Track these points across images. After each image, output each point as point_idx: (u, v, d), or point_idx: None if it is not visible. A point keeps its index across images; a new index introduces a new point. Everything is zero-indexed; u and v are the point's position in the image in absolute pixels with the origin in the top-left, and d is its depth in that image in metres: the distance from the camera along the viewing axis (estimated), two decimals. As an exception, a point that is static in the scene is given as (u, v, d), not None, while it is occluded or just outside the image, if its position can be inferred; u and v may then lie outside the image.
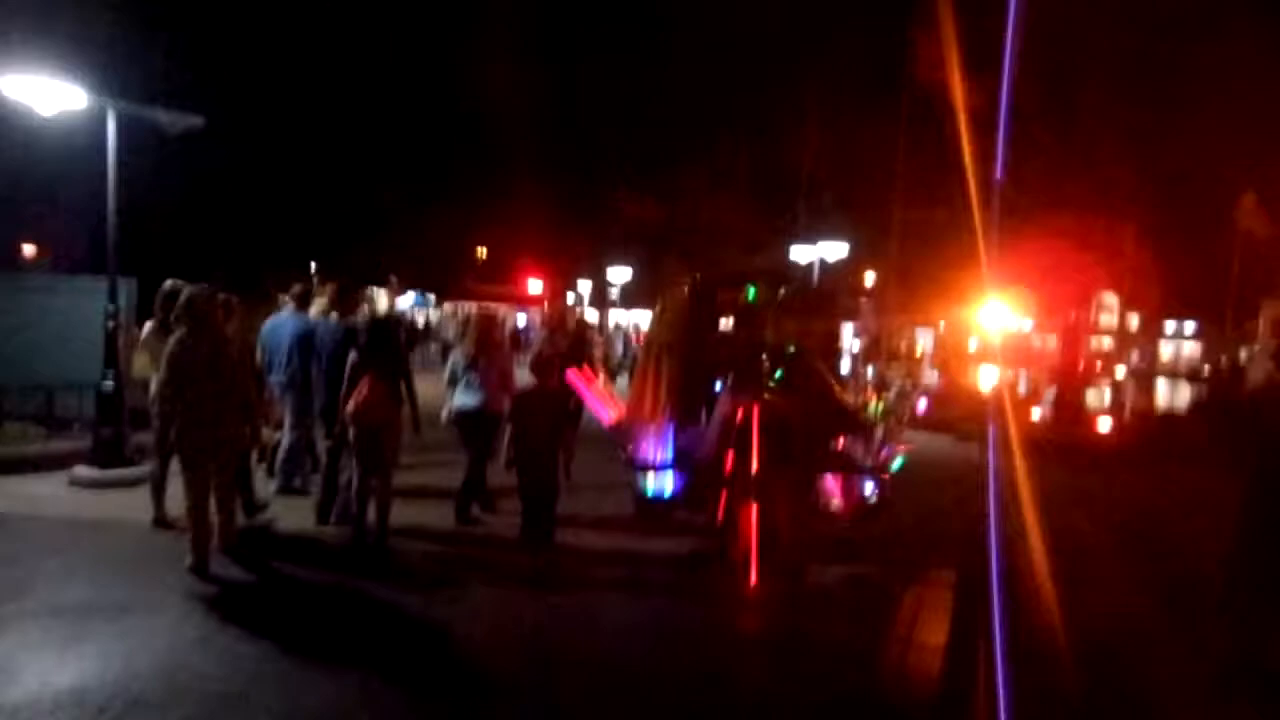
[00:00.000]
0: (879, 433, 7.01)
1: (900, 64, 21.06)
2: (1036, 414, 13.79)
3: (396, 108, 32.67)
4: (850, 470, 6.82)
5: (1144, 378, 18.66)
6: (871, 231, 19.49)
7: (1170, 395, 20.95)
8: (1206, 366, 25.31)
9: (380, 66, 31.06)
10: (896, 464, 6.91)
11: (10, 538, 6.48)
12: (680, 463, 6.87)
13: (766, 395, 6.41)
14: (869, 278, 24.23)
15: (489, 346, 7.42)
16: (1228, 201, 20.85)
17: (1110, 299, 25.69)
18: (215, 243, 20.66)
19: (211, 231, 21.62)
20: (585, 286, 37.26)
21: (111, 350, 8.46)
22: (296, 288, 7.96)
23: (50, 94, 7.89)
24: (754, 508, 6.07)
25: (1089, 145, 19.95)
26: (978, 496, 4.83)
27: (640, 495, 6.92)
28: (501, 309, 36.58)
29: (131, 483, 8.14)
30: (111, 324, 8.47)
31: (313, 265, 28.71)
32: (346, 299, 7.36)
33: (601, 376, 7.58)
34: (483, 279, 45.96)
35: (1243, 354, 22.63)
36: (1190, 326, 29.99)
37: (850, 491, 6.87)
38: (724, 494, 6.70)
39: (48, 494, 7.84)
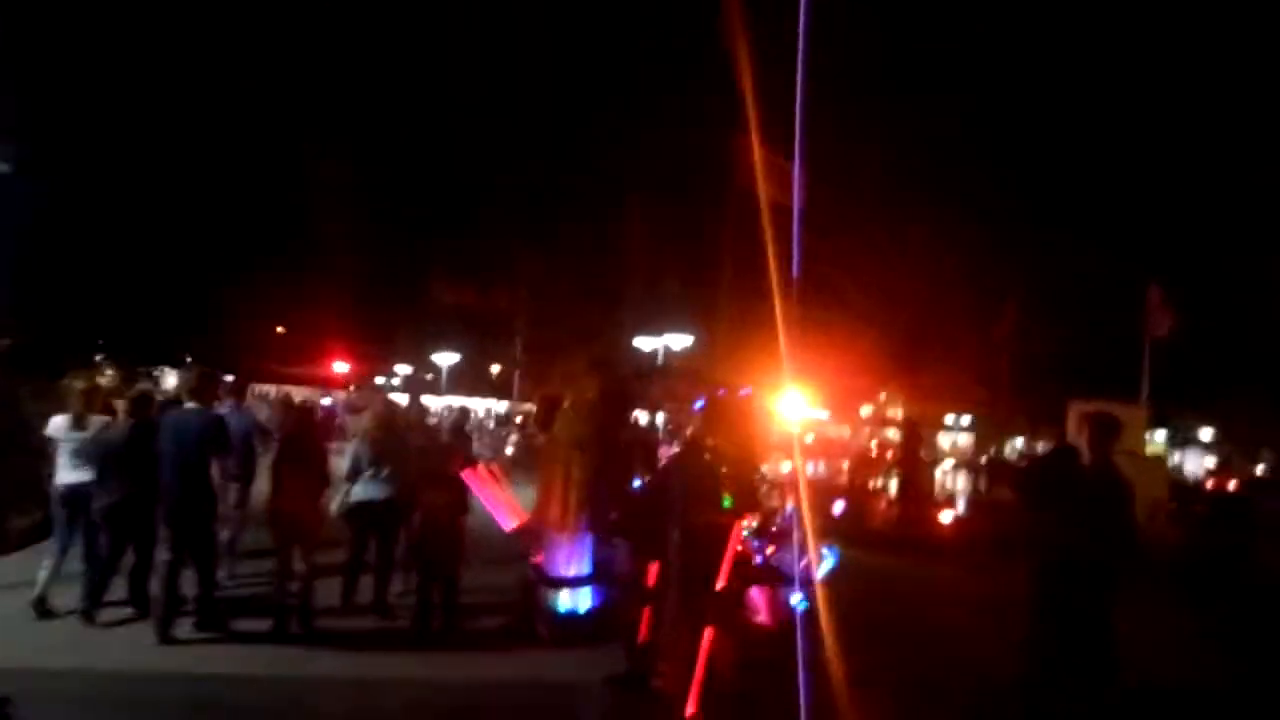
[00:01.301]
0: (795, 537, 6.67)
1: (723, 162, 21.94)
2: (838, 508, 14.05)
3: (195, 181, 30.34)
4: (776, 581, 6.39)
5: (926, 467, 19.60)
6: (711, 322, 19.83)
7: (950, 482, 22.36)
8: (983, 456, 27.63)
9: (182, 136, 28.83)
10: (824, 570, 6.55)
11: None
12: (598, 576, 6.19)
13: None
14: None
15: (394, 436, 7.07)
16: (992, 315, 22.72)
17: (891, 395, 27.65)
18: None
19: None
20: (403, 370, 35.64)
21: None
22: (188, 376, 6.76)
23: None
24: (693, 629, 5.46)
25: (878, 259, 21.26)
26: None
27: (551, 613, 6.13)
28: (303, 391, 34.14)
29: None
30: None
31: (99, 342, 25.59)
32: (208, 387, 6.26)
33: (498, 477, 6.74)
34: (284, 360, 42.96)
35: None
36: (966, 420, 32.86)
37: (777, 603, 6.43)
38: (647, 611, 6.07)
39: None
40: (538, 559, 6.40)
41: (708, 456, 5.37)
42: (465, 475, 6.50)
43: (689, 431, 5.54)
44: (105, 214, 26.68)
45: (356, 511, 6.76)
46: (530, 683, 5.90)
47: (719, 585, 5.25)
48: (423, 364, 34.88)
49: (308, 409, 8.52)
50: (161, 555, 6.06)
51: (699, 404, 6.16)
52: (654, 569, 6.06)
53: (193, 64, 28.06)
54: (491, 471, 6.75)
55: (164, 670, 5.58)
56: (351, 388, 38.80)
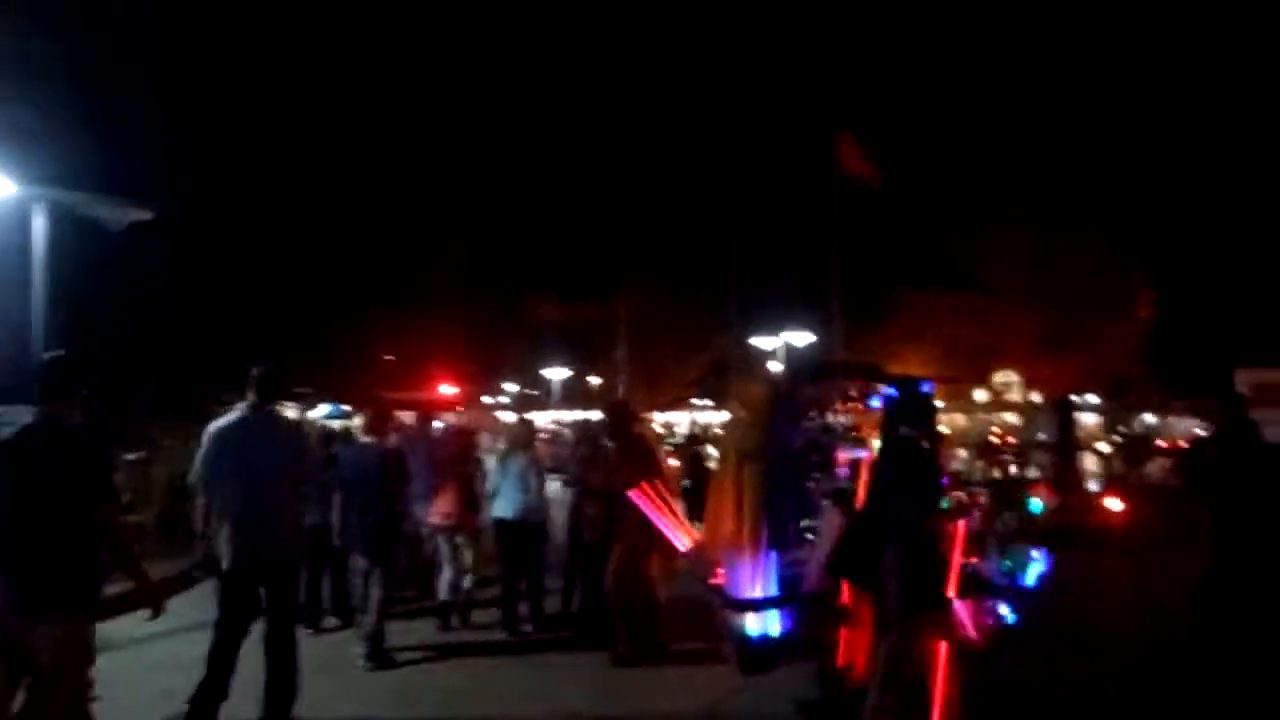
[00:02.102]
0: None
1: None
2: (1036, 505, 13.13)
3: (303, 216, 31.27)
4: (985, 592, 5.77)
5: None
6: (830, 317, 19.19)
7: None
8: (1114, 437, 25.90)
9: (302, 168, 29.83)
10: (1032, 578, 5.91)
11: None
12: (787, 597, 5.71)
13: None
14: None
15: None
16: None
17: (1010, 376, 26.19)
18: (130, 355, 18.45)
19: (117, 342, 19.42)
20: (511, 387, 35.91)
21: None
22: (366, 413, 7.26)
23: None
24: (915, 650, 4.92)
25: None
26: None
27: (739, 638, 5.69)
28: (411, 416, 34.66)
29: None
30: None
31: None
32: (383, 422, 6.77)
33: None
34: (393, 387, 43.86)
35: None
36: (1092, 399, 31.02)
37: (982, 617, 5.82)
38: (843, 632, 5.57)
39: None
40: (716, 580, 5.97)
41: (914, 457, 4.83)
42: (632, 494, 6.12)
43: (889, 431, 4.99)
44: (222, 257, 27.69)
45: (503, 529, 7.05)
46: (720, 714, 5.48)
47: (947, 596, 4.71)
48: (531, 380, 35.00)
49: (467, 432, 8.89)
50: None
51: (885, 397, 5.64)
52: (846, 585, 5.57)
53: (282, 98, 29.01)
54: (658, 489, 6.34)
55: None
56: (460, 409, 39.34)
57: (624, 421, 6.85)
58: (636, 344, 27.62)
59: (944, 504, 4.80)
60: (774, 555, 5.75)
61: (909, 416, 5.05)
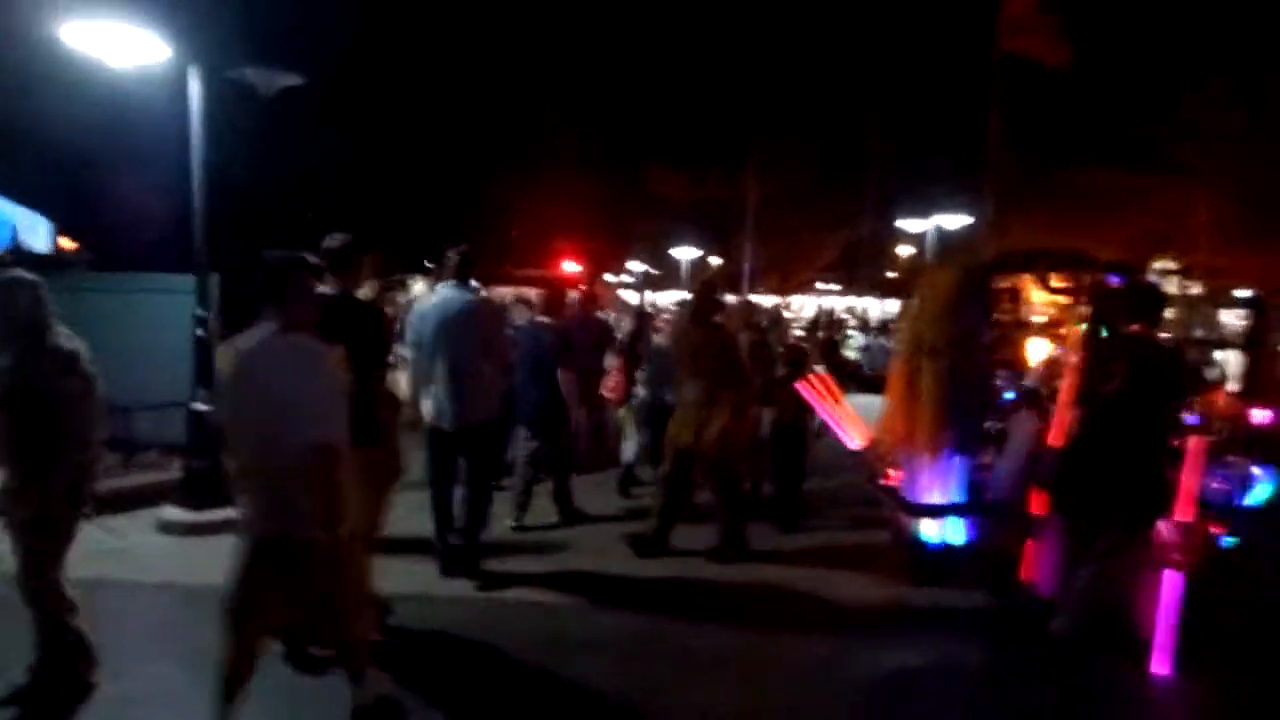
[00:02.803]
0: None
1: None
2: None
3: (452, 87, 30.89)
4: (1201, 511, 5.16)
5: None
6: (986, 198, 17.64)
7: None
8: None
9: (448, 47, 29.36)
10: (1260, 496, 5.25)
11: (105, 622, 4.93)
12: (972, 505, 5.26)
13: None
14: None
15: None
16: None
17: (1168, 264, 23.81)
18: (287, 226, 18.82)
19: (279, 213, 19.79)
20: (636, 268, 35.55)
21: (204, 362, 6.89)
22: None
23: (124, 43, 6.27)
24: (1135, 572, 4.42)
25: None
26: None
27: (916, 547, 5.30)
28: (534, 293, 34.90)
29: (234, 526, 6.66)
30: (201, 330, 6.89)
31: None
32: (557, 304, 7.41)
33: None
34: (519, 263, 44.22)
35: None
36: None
37: (1195, 538, 5.22)
38: (1029, 545, 5.10)
39: (134, 545, 6.29)
40: (889, 481, 5.55)
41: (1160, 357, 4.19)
42: (798, 387, 5.71)
43: (1114, 325, 4.35)
44: (351, 131, 27.84)
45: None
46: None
47: (1182, 518, 4.16)
48: (660, 260, 34.51)
49: (649, 315, 9.88)
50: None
51: (1098, 287, 4.96)
52: (1038, 496, 5.08)
53: None
54: (824, 381, 5.90)
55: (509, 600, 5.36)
56: (582, 287, 39.40)
57: (708, 306, 6.15)
58: (766, 223, 26.58)
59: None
60: (959, 459, 5.27)
61: (1139, 310, 4.40)
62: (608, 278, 41.96)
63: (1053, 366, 5.53)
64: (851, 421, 5.79)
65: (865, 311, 31.54)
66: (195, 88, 6.60)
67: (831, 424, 5.83)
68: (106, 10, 6.25)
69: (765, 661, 4.64)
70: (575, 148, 33.12)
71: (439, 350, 5.24)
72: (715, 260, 36.99)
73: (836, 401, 5.83)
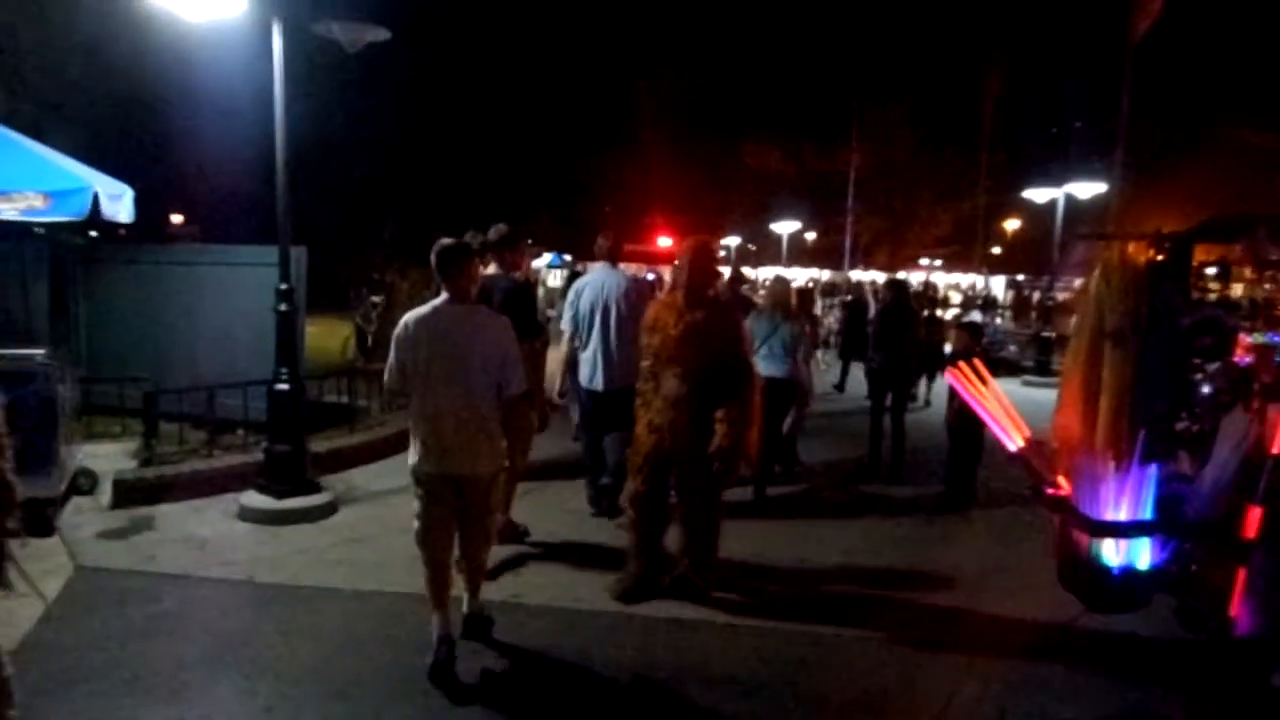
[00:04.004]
0: None
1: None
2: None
3: (546, 63, 30.53)
4: None
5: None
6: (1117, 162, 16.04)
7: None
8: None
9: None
10: None
11: (177, 627, 4.50)
12: (1165, 523, 4.36)
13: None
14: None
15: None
16: None
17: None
18: (380, 202, 18.66)
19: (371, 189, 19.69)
20: (732, 242, 34.67)
21: (287, 339, 6.47)
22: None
23: (201, -3, 5.84)
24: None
25: None
26: None
27: (1095, 571, 4.43)
28: (632, 268, 34.39)
29: (315, 515, 6.27)
30: (285, 306, 6.45)
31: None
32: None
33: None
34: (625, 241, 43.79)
35: None
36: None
37: None
38: (1241, 572, 4.18)
39: (213, 536, 5.91)
40: (1057, 491, 4.67)
41: None
42: (950, 376, 4.88)
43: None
44: (445, 100, 27.60)
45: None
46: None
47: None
48: (760, 235, 33.48)
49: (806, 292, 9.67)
50: None
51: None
52: (1252, 515, 4.15)
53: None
54: (975, 368, 5.04)
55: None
56: (677, 262, 38.63)
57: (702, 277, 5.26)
58: (870, 196, 25.25)
59: None
60: (1149, 468, 4.36)
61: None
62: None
63: (1267, 355, 4.55)
64: (1009, 417, 4.92)
65: (980, 288, 29.84)
66: (278, 43, 6.12)
67: (986, 419, 4.97)
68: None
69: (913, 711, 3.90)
70: (671, 121, 32.32)
71: (596, 324, 6.14)
72: (810, 235, 35.76)
73: (990, 393, 4.97)
